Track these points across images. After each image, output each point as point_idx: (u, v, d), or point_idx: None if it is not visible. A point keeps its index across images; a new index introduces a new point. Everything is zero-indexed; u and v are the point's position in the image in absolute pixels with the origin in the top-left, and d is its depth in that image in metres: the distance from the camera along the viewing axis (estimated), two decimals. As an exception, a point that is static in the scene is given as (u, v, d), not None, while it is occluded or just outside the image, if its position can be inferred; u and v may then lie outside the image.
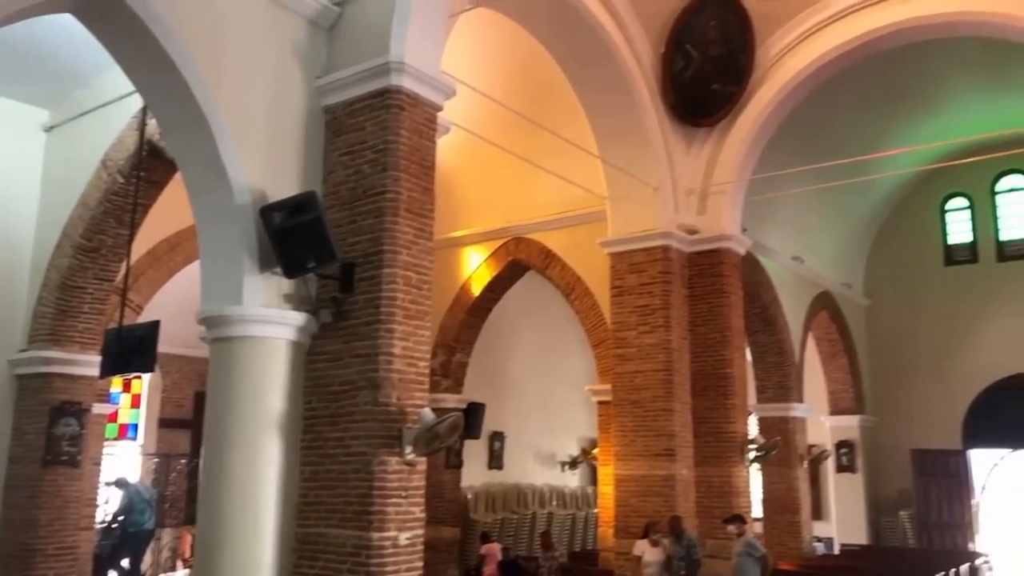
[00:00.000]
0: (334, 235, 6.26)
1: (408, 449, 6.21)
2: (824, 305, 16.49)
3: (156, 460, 14.63)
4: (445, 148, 9.65)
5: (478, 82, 10.08)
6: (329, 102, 7.05)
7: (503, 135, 11.04)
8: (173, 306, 10.82)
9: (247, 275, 6.31)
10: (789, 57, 11.24)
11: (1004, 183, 17.10)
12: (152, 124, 8.29)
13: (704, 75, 11.37)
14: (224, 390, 6.34)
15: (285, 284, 6.49)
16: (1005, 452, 16.67)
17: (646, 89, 11.11)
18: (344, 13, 7.21)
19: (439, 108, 7.16)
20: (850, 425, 17.31)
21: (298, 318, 6.50)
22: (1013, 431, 15.95)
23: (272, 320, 6.39)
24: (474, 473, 15.59)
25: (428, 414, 6.28)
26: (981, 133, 13.44)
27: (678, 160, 11.59)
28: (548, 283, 13.27)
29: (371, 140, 6.74)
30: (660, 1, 11.05)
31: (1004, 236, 17.07)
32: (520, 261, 13.26)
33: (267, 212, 6.20)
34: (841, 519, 17.27)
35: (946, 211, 17.79)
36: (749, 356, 14.36)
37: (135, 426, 15.05)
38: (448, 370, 13.73)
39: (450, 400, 13.14)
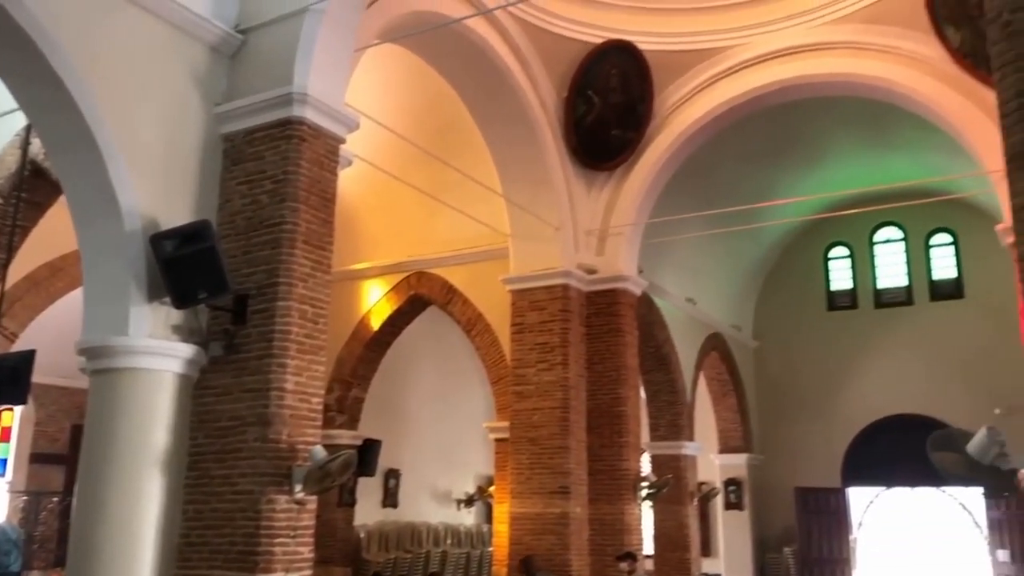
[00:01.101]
0: (228, 265, 6.10)
1: (298, 487, 6.05)
2: (715, 346, 17.04)
3: (25, 498, 13.73)
4: (349, 179, 9.61)
5: (384, 115, 10.09)
6: (228, 130, 6.91)
7: (408, 169, 11.06)
8: (53, 334, 10.28)
9: (134, 304, 6.07)
10: (685, 107, 11.70)
11: (881, 234, 18.15)
12: (36, 143, 7.93)
13: (605, 121, 11.71)
14: (104, 424, 6.03)
15: (174, 315, 6.27)
16: (880, 490, 17.51)
17: (549, 131, 11.35)
18: (248, 41, 7.11)
19: (342, 140, 7.12)
20: (738, 463, 17.83)
21: (186, 350, 6.28)
22: (887, 470, 16.76)
23: (159, 352, 6.15)
24: (368, 511, 15.27)
25: (319, 451, 6.14)
26: (861, 186, 14.26)
27: (579, 201, 11.85)
28: (449, 318, 13.25)
29: (270, 170, 6.63)
30: (564, 47, 11.35)
31: (881, 284, 18.07)
32: (421, 296, 13.21)
33: (158, 240, 6.00)
34: (729, 556, 17.70)
35: (829, 259, 18.72)
36: (643, 394, 14.68)
37: (3, 461, 14.12)
38: (344, 406, 13.47)
39: (344, 436, 12.88)
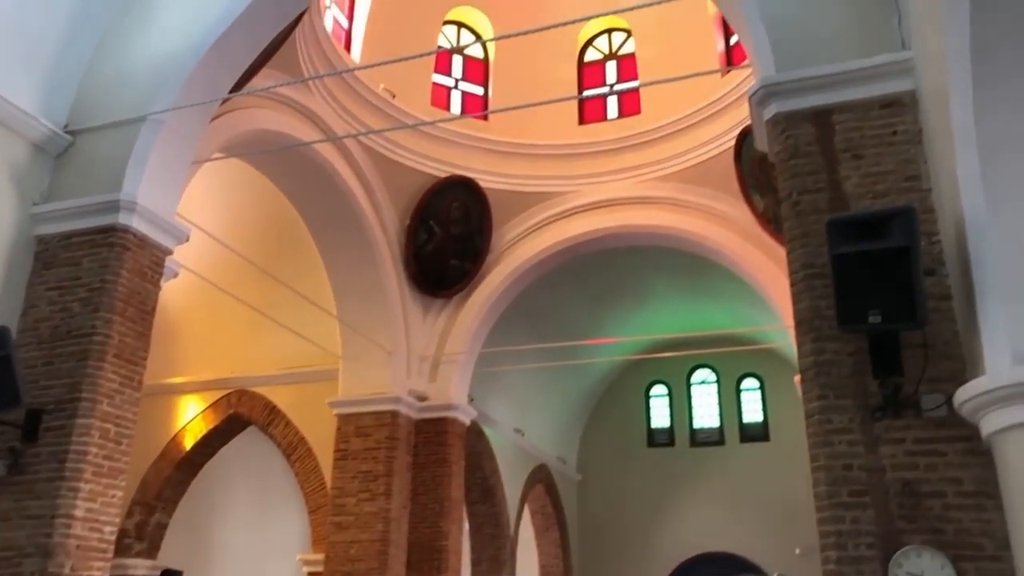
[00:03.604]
0: (24, 376, 5.61)
1: (77, 628, 5.44)
2: (541, 478, 17.14)
3: None
4: (173, 288, 9.23)
5: (220, 226, 9.87)
6: (44, 232, 6.54)
7: (241, 282, 10.74)
8: None
9: (-97, 415, 5.43)
10: (521, 244, 12.19)
11: (697, 375, 19.24)
12: None
13: (444, 250, 11.99)
14: None
15: (-48, 428, 5.65)
16: (694, 626, 17.79)
17: (389, 256, 11.46)
18: (76, 143, 6.86)
19: (169, 252, 6.89)
20: (559, 599, 17.67)
21: (-39, 468, 5.64)
22: (700, 608, 17.12)
23: (-73, 469, 5.49)
24: (161, 651, 13.80)
25: (106, 587, 5.59)
26: (680, 330, 15.18)
27: (414, 326, 11.89)
28: (270, 441, 12.64)
29: (86, 277, 6.29)
30: (409, 177, 11.65)
31: (696, 424, 19.00)
32: (241, 415, 12.56)
33: (-57, 344, 5.46)
34: None
35: (650, 397, 19.56)
36: (467, 526, 14.43)
37: None
38: (144, 532, 12.36)
39: (141, 567, 11.77)
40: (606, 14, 11.87)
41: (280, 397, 12.29)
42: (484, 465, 14.53)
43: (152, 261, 6.64)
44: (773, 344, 14.32)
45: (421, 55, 10.52)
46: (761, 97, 5.50)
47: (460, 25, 12.84)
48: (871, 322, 4.23)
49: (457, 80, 12.79)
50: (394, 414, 11.04)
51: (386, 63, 8.57)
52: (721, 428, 18.63)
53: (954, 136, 4.03)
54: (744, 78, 10.01)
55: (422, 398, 11.64)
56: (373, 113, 11.07)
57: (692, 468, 18.32)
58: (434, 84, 12.41)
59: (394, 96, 11.34)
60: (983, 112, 3.88)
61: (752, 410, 18.45)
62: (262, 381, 12.39)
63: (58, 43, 6.94)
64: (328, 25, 10.54)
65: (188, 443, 12.64)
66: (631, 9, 10.86)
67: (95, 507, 5.78)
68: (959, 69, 3.89)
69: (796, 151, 5.22)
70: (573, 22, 10.80)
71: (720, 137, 10.77)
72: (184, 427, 12.70)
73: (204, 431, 12.62)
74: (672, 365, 17.65)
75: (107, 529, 5.90)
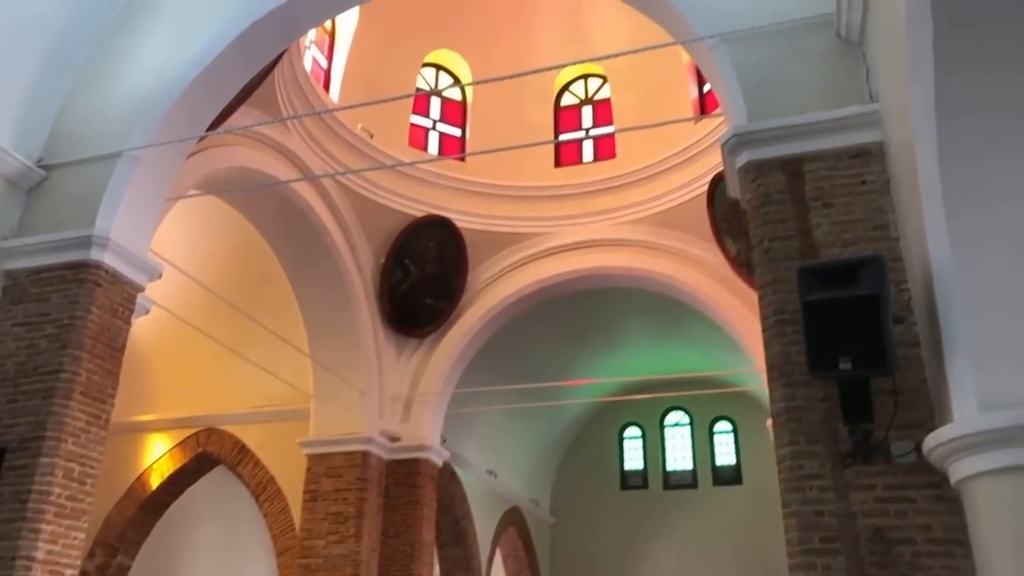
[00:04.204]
0: (-13, 414, 5.51)
1: (32, 677, 5.27)
2: (513, 521, 16.96)
3: None
4: (144, 323, 9.11)
5: (193, 262, 9.81)
6: (13, 266, 6.46)
7: (213, 319, 10.63)
8: None
9: None
10: (497, 284, 12.22)
11: (671, 418, 19.24)
12: None
13: (419, 290, 11.99)
14: None
15: (-90, 467, 5.51)
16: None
17: (364, 295, 11.42)
18: (50, 178, 6.82)
19: (141, 289, 6.82)
20: (531, 644, 17.39)
21: (-82, 509, 5.49)
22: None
23: None
24: None
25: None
26: (654, 372, 15.20)
27: (387, 366, 11.82)
28: (238, 480, 12.42)
29: (55, 313, 6.20)
30: (386, 216, 11.67)
31: (670, 466, 18.95)
32: (210, 454, 12.35)
33: (-96, 380, 5.35)
34: None
35: (623, 439, 19.51)
36: (438, 570, 14.21)
37: None
38: (105, 574, 12.04)
39: (102, 610, 11.45)
40: (582, 61, 12.07)
41: (250, 436, 12.12)
42: (456, 507, 14.37)
43: (123, 297, 6.58)
44: (746, 387, 14.39)
45: (399, 98, 10.62)
46: (733, 145, 5.61)
47: (438, 68, 13.00)
48: (842, 369, 4.28)
49: (435, 121, 12.91)
50: (365, 455, 10.92)
51: (364, 105, 8.64)
52: (694, 471, 18.59)
53: (920, 186, 4.13)
54: (717, 125, 10.20)
55: (394, 439, 11.54)
56: (351, 152, 11.12)
57: (665, 511, 18.23)
58: (412, 125, 12.52)
59: (372, 136, 11.41)
60: (948, 163, 3.98)
61: (725, 453, 18.46)
62: (232, 419, 12.22)
63: (34, 78, 6.93)
64: (307, 65, 10.63)
65: (154, 482, 12.39)
66: (607, 57, 11.05)
67: (56, 549, 5.64)
68: (924, 122, 3.99)
69: (767, 198, 5.31)
70: (549, 69, 10.97)
71: (693, 182, 10.93)
72: (150, 466, 12.46)
73: (171, 470, 12.38)
74: (646, 407, 17.67)
75: (68, 572, 5.74)
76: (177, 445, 12.46)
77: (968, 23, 3.73)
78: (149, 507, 12.47)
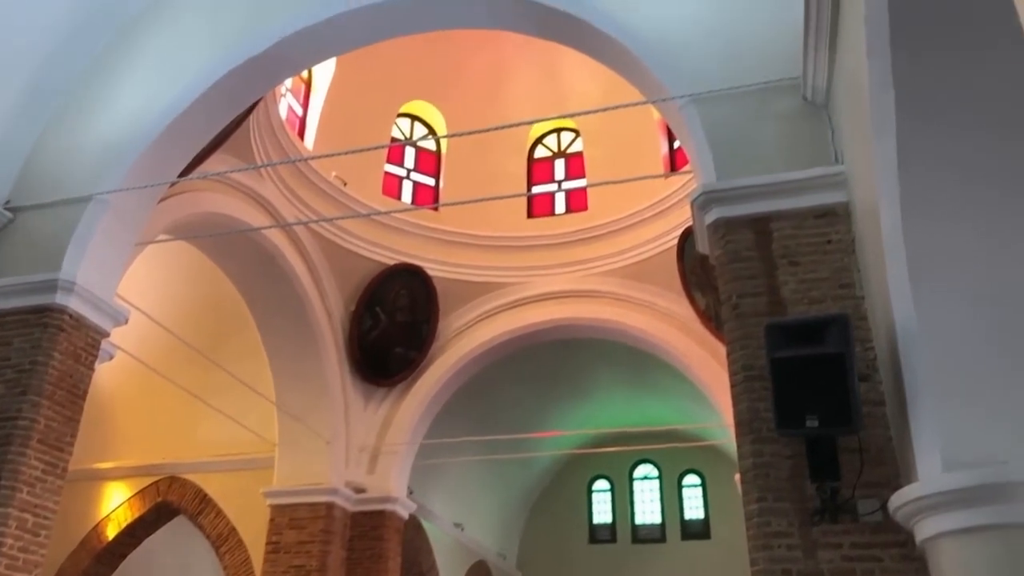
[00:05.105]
0: (-61, 462, 5.35)
1: None
2: (480, 575, 16.67)
3: None
4: (105, 369, 8.94)
5: (160, 306, 9.69)
6: (-27, 309, 6.33)
7: (175, 364, 10.47)
8: None
9: None
10: (468, 333, 12.19)
11: (640, 471, 19.15)
12: None
13: (389, 338, 11.92)
14: None
15: None
16: None
17: (333, 342, 11.33)
18: (17, 220, 6.75)
19: (106, 334, 6.72)
20: None
21: None
22: None
23: None
24: None
25: None
26: (623, 425, 15.18)
27: (355, 416, 11.68)
28: (198, 531, 12.11)
29: (15, 358, 6.08)
30: (357, 264, 11.65)
31: (639, 520, 18.81)
32: (170, 503, 12.05)
33: None
34: None
35: (592, 492, 19.35)
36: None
37: None
38: (56, 628, 11.62)
39: (50, 667, 11.01)
40: (556, 118, 12.27)
41: (212, 485, 11.85)
42: (422, 561, 14.10)
43: (87, 343, 6.47)
44: (715, 441, 14.40)
45: (374, 148, 10.69)
46: (702, 202, 5.70)
47: (414, 118, 13.13)
48: (808, 426, 4.31)
49: (409, 170, 12.99)
50: (330, 506, 10.73)
51: (339, 154, 8.67)
52: (663, 525, 18.46)
53: (884, 247, 4.22)
54: (687, 180, 10.37)
55: (360, 490, 11.35)
56: (324, 200, 11.13)
57: (634, 566, 18.03)
58: (386, 173, 12.58)
59: (345, 184, 11.44)
60: (911, 224, 4.07)
61: (693, 507, 18.37)
62: (194, 468, 11.97)
63: (5, 119, 6.89)
64: (283, 112, 10.68)
65: (111, 533, 12.04)
66: (580, 114, 11.26)
67: (5, 604, 5.45)
68: (887, 183, 4.09)
69: (736, 255, 5.39)
70: (523, 124, 11.14)
71: (663, 236, 11.06)
72: (108, 515, 12.12)
73: (129, 520, 12.05)
74: (615, 460, 17.57)
75: (16, 628, 5.54)
76: (136, 494, 12.15)
77: (929, 88, 3.86)
78: (104, 558, 12.09)
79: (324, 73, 11.98)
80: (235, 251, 10.02)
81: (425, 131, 13.08)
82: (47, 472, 5.91)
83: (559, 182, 13.13)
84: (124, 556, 12.40)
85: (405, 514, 11.87)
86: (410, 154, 13.09)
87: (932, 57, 3.80)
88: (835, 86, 5.41)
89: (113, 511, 12.15)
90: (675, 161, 11.83)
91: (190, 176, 7.95)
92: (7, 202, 6.78)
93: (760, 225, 5.45)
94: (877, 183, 4.19)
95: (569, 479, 19.03)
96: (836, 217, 5.36)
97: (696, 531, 18.12)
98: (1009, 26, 3.00)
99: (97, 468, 12.20)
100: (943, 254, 4.08)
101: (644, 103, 7.12)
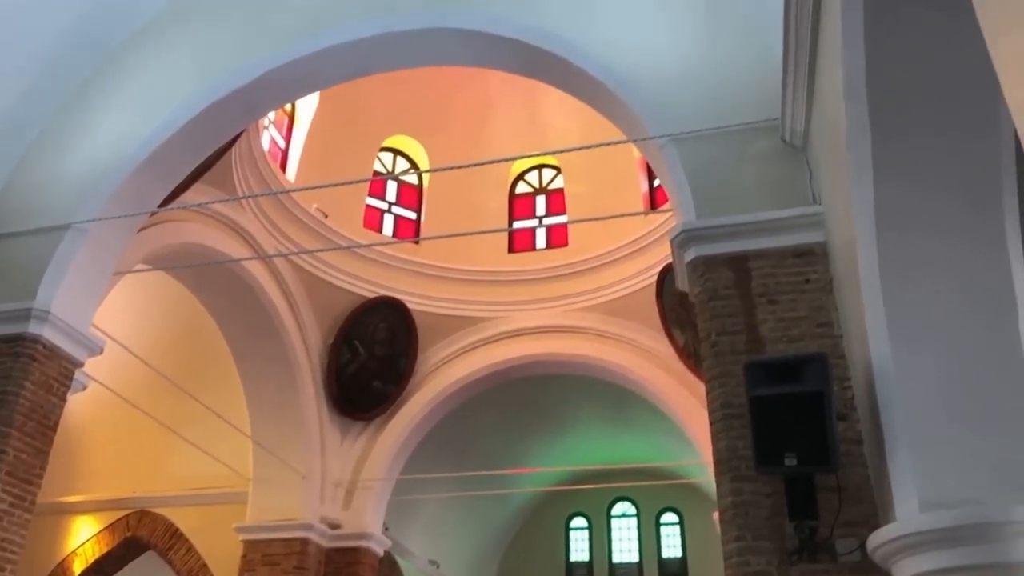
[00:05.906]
0: (-98, 494, 5.21)
1: None
2: (455, 613, 16.41)
3: None
4: (76, 400, 8.78)
5: (135, 336, 9.58)
6: (-55, 337, 6.21)
7: (153, 396, 10.32)
8: None
9: None
10: (446, 367, 12.13)
11: (618, 508, 19.01)
12: None
13: (367, 371, 11.84)
14: None
15: None
16: None
17: (310, 376, 11.23)
18: (-9, 247, 6.65)
19: (79, 364, 6.63)
20: None
21: None
22: None
23: None
24: None
25: None
26: (601, 462, 15.11)
27: (331, 450, 11.54)
28: (169, 567, 11.85)
29: (-15, 387, 5.96)
30: (336, 296, 11.60)
31: (616, 558, 18.62)
32: (140, 538, 11.80)
33: None
34: None
35: (570, 529, 19.17)
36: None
37: None
38: (16, 667, 11.26)
39: None
40: (537, 155, 12.37)
41: (183, 519, 11.64)
42: (396, 598, 13.87)
43: (60, 373, 6.37)
44: (693, 479, 14.36)
45: (356, 181, 10.70)
46: (682, 241, 5.75)
47: (396, 152, 13.18)
48: (787, 465, 4.31)
49: (391, 204, 13.01)
50: (304, 542, 10.56)
51: (321, 187, 8.69)
52: (640, 564, 18.29)
53: (861, 287, 4.27)
54: (667, 218, 10.46)
55: (335, 526, 11.18)
56: (304, 232, 11.11)
57: (611, 606, 17.83)
58: (367, 206, 12.60)
59: (327, 216, 11.43)
60: (888, 265, 4.13)
61: (671, 545, 18.22)
62: (165, 502, 11.75)
63: (-15, 146, 6.85)
64: (265, 144, 10.69)
65: (77, 568, 11.76)
66: (561, 152, 11.36)
67: (-35, 642, 5.29)
68: (864, 226, 4.16)
69: (715, 293, 5.43)
70: (504, 160, 11.22)
71: (643, 273, 11.13)
72: (75, 551, 11.84)
73: (97, 555, 11.79)
74: (593, 497, 17.43)
75: (-24, 667, 5.38)
76: (105, 528, 11.89)
77: (905, 134, 3.94)
78: (70, 595, 11.79)
79: (307, 106, 12.03)
80: (214, 282, 9.95)
81: (407, 165, 13.13)
82: (14, 506, 5.77)
83: (540, 218, 13.20)
84: (90, 593, 12.10)
85: (380, 551, 11.70)
86: (392, 188, 13.12)
87: (908, 101, 3.89)
88: (813, 129, 5.51)
89: (80, 546, 11.87)
90: (655, 199, 11.94)
91: (170, 206, 7.91)
92: (-17, 230, 6.71)
93: (739, 264, 5.50)
94: (854, 224, 4.25)
95: (546, 516, 18.85)
96: (814, 256, 5.43)
97: (674, 570, 17.95)
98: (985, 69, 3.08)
99: (64, 501, 11.94)
100: (920, 295, 4.14)
101: (625, 142, 7.19)
